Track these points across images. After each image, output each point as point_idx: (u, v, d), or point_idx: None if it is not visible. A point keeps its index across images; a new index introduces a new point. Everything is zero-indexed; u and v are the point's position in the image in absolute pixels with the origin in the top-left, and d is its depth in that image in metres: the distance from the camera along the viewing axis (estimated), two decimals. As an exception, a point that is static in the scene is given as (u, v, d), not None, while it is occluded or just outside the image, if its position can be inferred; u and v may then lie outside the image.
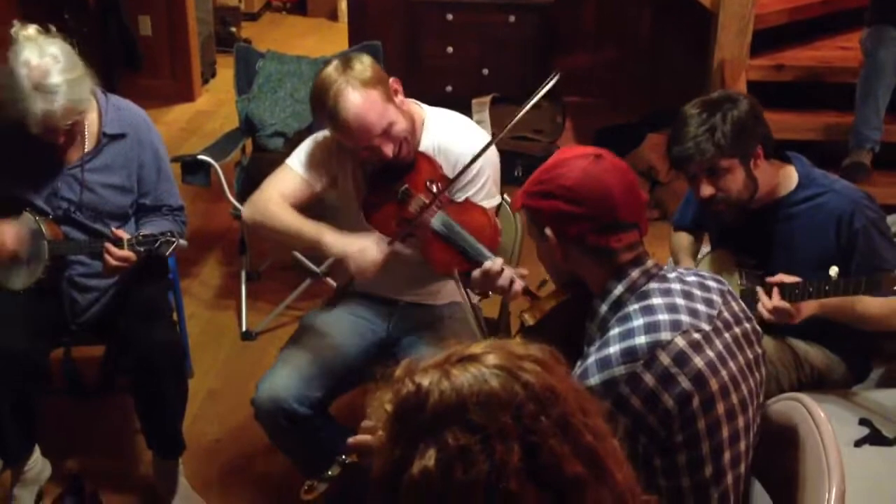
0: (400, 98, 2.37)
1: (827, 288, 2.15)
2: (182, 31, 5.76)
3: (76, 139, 2.59)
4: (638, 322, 1.59)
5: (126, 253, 2.48)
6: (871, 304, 2.21)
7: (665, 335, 1.56)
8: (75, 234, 2.65)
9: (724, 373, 1.57)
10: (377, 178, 2.41)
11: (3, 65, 2.43)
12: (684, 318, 1.59)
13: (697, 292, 1.66)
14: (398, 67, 4.39)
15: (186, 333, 3.28)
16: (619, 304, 1.64)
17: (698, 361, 1.55)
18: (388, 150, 2.31)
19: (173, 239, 2.49)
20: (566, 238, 1.67)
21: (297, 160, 2.49)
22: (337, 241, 2.33)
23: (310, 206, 2.48)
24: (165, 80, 5.82)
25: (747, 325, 1.70)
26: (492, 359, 1.01)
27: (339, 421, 2.50)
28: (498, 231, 2.37)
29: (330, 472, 1.81)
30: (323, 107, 2.29)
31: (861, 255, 2.25)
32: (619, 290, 1.65)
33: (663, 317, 1.58)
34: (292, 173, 2.47)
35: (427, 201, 2.32)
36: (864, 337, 2.37)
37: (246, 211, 2.50)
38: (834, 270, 2.15)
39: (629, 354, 1.54)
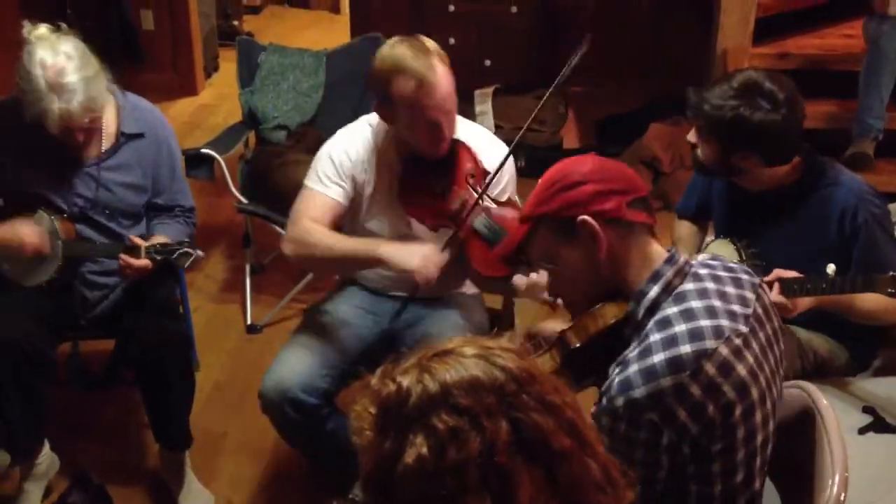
0: None
1: (823, 285, 2.16)
2: (184, 24, 5.75)
3: (94, 137, 2.60)
4: (680, 328, 1.54)
5: (143, 263, 2.50)
6: (868, 300, 2.21)
7: (710, 343, 1.52)
8: (89, 233, 2.66)
9: (761, 378, 1.56)
10: (414, 170, 2.39)
11: (15, 64, 2.44)
12: (724, 322, 1.56)
13: (731, 290, 1.63)
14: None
15: (192, 327, 3.29)
16: (655, 307, 1.59)
17: (741, 370, 1.53)
18: (447, 130, 2.32)
19: (191, 252, 2.49)
20: (606, 216, 1.61)
21: (317, 181, 2.45)
22: (396, 253, 2.31)
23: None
24: (168, 75, 5.82)
25: (775, 323, 1.68)
26: (468, 350, 1.05)
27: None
28: None
29: (357, 492, 1.80)
30: (402, 70, 2.25)
31: (861, 250, 2.26)
32: (654, 291, 1.60)
33: (705, 322, 1.54)
34: (318, 195, 2.44)
35: (470, 198, 2.32)
36: (867, 325, 2.37)
37: (287, 249, 2.44)
38: (831, 268, 2.16)
39: (675, 365, 1.50)
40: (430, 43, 2.32)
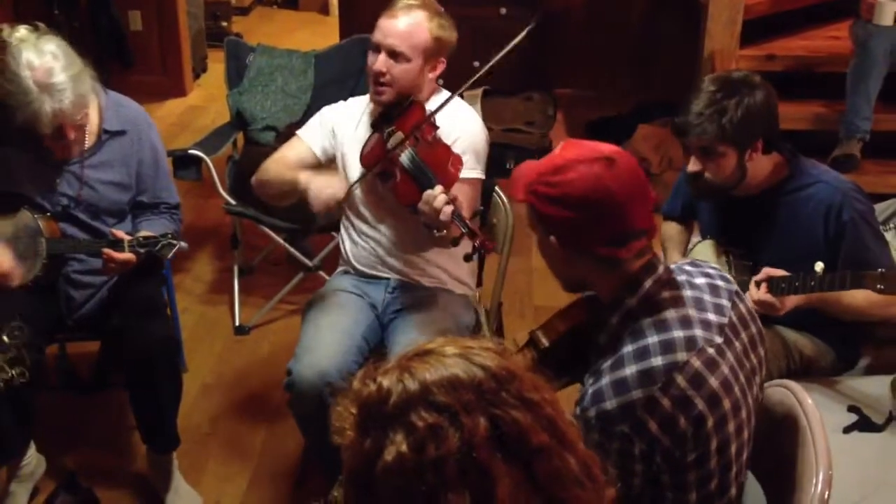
0: (433, 74, 2.55)
1: (812, 283, 2.17)
2: (172, 26, 5.74)
3: (80, 135, 2.59)
4: (653, 339, 1.54)
5: (127, 256, 2.49)
6: (856, 297, 2.22)
7: (681, 356, 1.52)
8: (73, 231, 2.65)
9: (735, 388, 1.56)
10: (376, 123, 2.51)
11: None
12: (698, 332, 1.56)
13: (707, 298, 1.62)
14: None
15: (180, 328, 3.29)
16: (630, 317, 1.59)
17: (713, 382, 1.52)
18: (381, 65, 2.46)
19: (174, 242, 2.49)
20: (572, 247, 1.60)
21: (306, 129, 2.68)
22: (313, 179, 2.47)
23: None
24: (156, 76, 5.81)
25: (753, 329, 1.68)
26: (449, 349, 1.06)
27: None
28: (457, 168, 2.36)
29: (335, 494, 1.81)
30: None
31: (848, 247, 2.27)
32: (631, 302, 1.59)
33: (678, 333, 1.54)
34: (296, 140, 2.67)
35: (403, 138, 2.39)
36: (853, 325, 2.38)
37: (253, 177, 2.68)
38: (819, 266, 2.17)
39: (646, 377, 1.51)
40: (438, 14, 2.54)
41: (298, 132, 2.71)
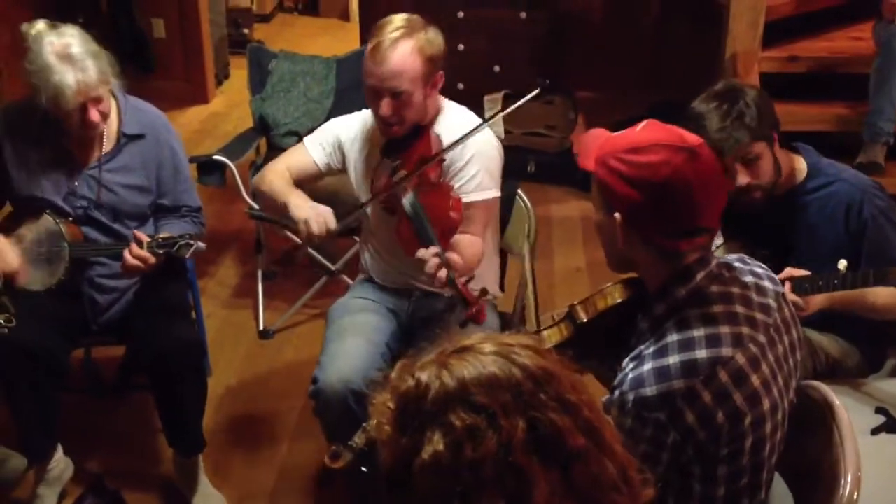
0: (434, 91, 2.45)
1: (836, 282, 2.16)
2: (195, 33, 5.78)
3: (99, 129, 2.60)
4: (699, 332, 1.53)
5: (144, 254, 2.50)
6: (881, 294, 2.21)
7: (726, 351, 1.51)
8: (95, 235, 2.67)
9: (774, 390, 1.56)
10: (385, 150, 2.48)
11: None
12: (744, 329, 1.54)
13: (755, 297, 1.61)
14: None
15: (205, 332, 3.31)
16: (677, 307, 1.57)
17: (755, 380, 1.52)
18: (386, 107, 2.37)
19: (192, 242, 2.51)
20: (634, 229, 1.56)
21: (309, 140, 2.66)
22: (297, 203, 2.47)
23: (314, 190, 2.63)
24: (179, 83, 5.85)
25: (795, 333, 1.67)
26: (487, 347, 1.04)
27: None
28: (458, 212, 2.34)
29: (356, 440, 1.80)
30: (374, 32, 2.39)
31: (870, 244, 2.25)
32: (680, 293, 1.57)
33: (724, 329, 1.53)
34: (301, 149, 2.66)
35: (406, 175, 2.36)
36: (880, 326, 2.37)
37: (255, 178, 2.71)
38: (843, 264, 2.15)
39: (689, 368, 1.49)
40: (422, 29, 2.39)
41: (305, 140, 2.69)
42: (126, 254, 2.51)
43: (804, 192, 2.35)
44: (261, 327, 3.66)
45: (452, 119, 2.51)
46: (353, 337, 2.48)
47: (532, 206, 2.76)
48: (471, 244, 2.42)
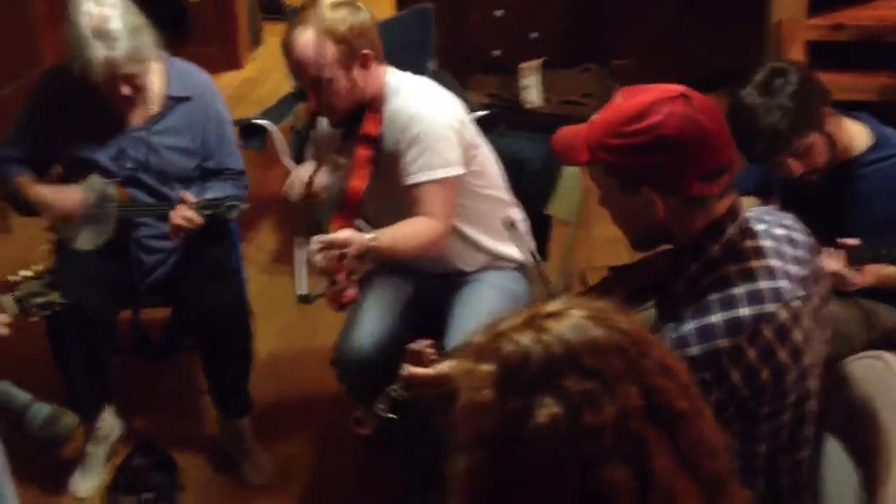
0: (365, 70, 2.32)
1: (891, 253, 2.13)
2: (229, -1, 5.77)
3: (139, 97, 2.61)
4: (739, 290, 1.51)
5: (189, 214, 2.51)
6: None
7: (769, 307, 1.49)
8: (141, 197, 2.69)
9: (815, 343, 1.55)
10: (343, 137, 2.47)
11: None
12: (783, 283, 1.53)
13: (788, 250, 1.60)
14: (445, 31, 4.37)
15: (246, 295, 3.32)
16: (713, 264, 1.55)
17: (797, 335, 1.51)
18: (313, 102, 2.36)
19: (236, 203, 2.52)
20: (669, 191, 1.53)
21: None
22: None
23: None
24: (212, 48, 5.81)
25: (826, 285, 1.66)
26: (578, 312, 1.01)
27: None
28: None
29: (381, 406, 1.82)
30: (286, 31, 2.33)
31: None
32: (714, 250, 1.55)
33: (765, 284, 1.52)
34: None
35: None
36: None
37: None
38: None
39: (734, 326, 1.48)
40: (331, 9, 2.27)
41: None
42: (173, 214, 2.52)
43: (867, 163, 2.31)
44: (300, 292, 3.67)
45: (403, 99, 2.36)
46: (372, 307, 2.48)
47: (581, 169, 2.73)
48: (409, 225, 2.31)
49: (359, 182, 2.35)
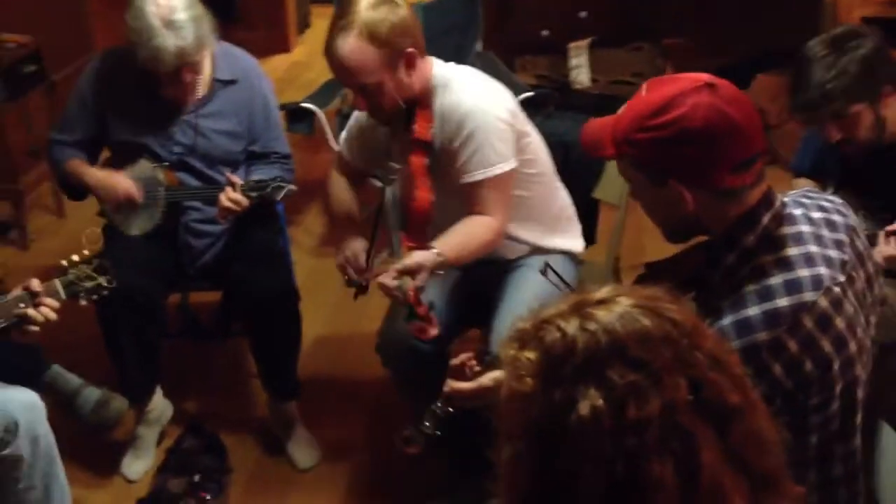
0: (412, 70, 2.24)
1: None
2: (277, -19, 5.79)
3: (197, 80, 2.63)
4: (776, 280, 1.47)
5: (237, 196, 2.52)
6: None
7: (808, 296, 1.45)
8: (189, 180, 2.70)
9: (859, 330, 1.50)
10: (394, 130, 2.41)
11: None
12: (822, 270, 1.48)
13: (826, 234, 1.55)
14: (492, 12, 4.33)
15: (295, 279, 3.33)
16: (749, 255, 1.51)
17: (839, 323, 1.46)
18: (361, 104, 2.28)
19: (283, 185, 2.53)
20: (698, 185, 1.49)
21: (342, 139, 2.58)
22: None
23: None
24: (260, 32, 5.85)
25: (870, 266, 1.60)
26: (626, 300, 0.98)
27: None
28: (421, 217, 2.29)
29: (427, 424, 1.82)
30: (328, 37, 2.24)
31: None
32: (749, 240, 1.50)
33: (803, 272, 1.47)
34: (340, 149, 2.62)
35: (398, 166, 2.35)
36: None
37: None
38: None
39: (772, 319, 1.43)
40: (368, 9, 2.17)
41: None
42: (221, 196, 2.53)
43: None
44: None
45: (453, 94, 2.28)
46: None
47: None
48: (467, 227, 2.27)
49: (424, 194, 2.27)
